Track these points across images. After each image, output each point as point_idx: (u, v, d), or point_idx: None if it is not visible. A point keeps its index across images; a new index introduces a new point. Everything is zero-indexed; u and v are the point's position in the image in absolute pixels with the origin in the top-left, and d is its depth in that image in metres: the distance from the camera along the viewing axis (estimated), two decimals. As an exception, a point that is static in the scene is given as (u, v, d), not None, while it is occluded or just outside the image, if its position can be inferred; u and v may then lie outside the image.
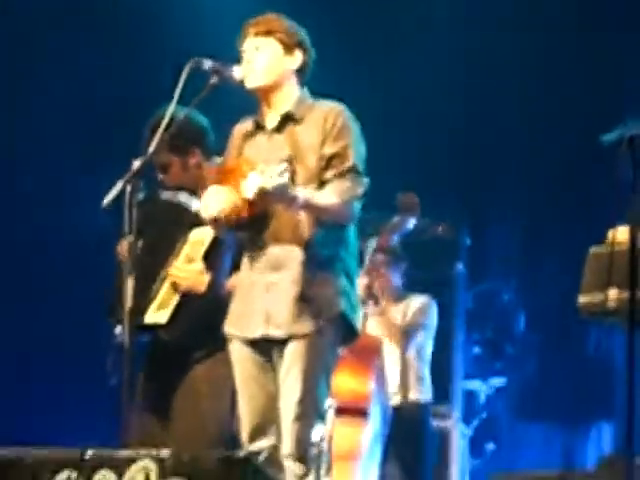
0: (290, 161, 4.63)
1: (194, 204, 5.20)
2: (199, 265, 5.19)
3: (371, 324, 6.54)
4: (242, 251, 4.84)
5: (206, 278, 5.22)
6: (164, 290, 5.22)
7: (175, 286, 5.17)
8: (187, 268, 5.20)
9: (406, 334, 6.72)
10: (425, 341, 6.80)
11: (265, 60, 4.77)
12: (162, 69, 5.68)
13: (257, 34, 4.80)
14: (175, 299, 5.14)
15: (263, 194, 4.43)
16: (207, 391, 5.18)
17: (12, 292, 8.01)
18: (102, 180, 4.78)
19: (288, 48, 4.81)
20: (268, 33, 4.79)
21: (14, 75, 8.38)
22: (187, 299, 5.15)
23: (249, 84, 4.72)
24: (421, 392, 6.71)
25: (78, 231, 7.05)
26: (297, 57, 4.81)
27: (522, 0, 8.34)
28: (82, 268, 6.99)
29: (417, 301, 6.80)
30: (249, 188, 4.44)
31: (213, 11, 8.28)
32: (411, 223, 6.65)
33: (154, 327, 5.20)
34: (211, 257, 5.19)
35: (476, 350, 8.15)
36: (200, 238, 5.19)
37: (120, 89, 8.12)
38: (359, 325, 4.94)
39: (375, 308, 6.64)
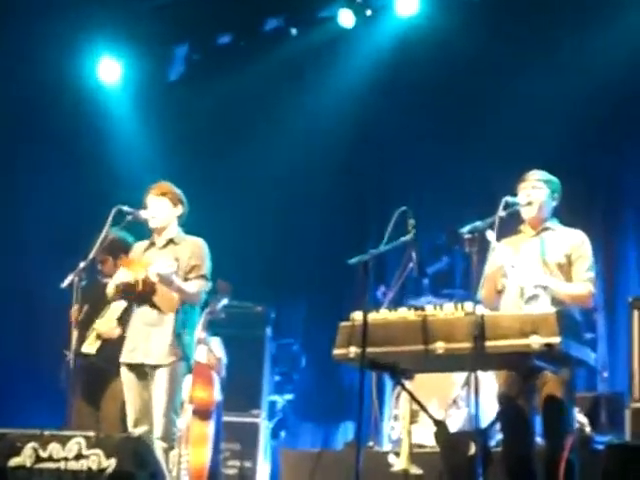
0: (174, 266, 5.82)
1: None
2: (114, 323, 6.50)
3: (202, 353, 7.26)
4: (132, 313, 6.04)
5: (117, 331, 6.49)
6: (93, 335, 6.56)
7: (99, 334, 6.56)
8: (106, 325, 6.50)
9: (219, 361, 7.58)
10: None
11: (162, 213, 5.99)
12: (106, 201, 6.37)
13: (157, 195, 5.98)
14: (99, 342, 6.53)
15: (159, 276, 5.69)
16: (114, 398, 6.40)
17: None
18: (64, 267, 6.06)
19: (174, 203, 6.01)
20: (163, 194, 6.00)
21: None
22: (106, 341, 6.45)
23: (152, 225, 5.98)
24: (220, 395, 7.40)
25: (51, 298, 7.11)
26: (179, 209, 6.01)
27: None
28: (48, 318, 7.90)
29: (216, 341, 7.63)
30: (152, 273, 5.70)
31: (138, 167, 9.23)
32: (225, 298, 7.32)
33: (88, 355, 6.47)
34: (123, 319, 6.44)
35: (277, 378, 9.23)
36: (117, 308, 6.46)
37: (81, 207, 9.20)
38: (193, 363, 6.10)
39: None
